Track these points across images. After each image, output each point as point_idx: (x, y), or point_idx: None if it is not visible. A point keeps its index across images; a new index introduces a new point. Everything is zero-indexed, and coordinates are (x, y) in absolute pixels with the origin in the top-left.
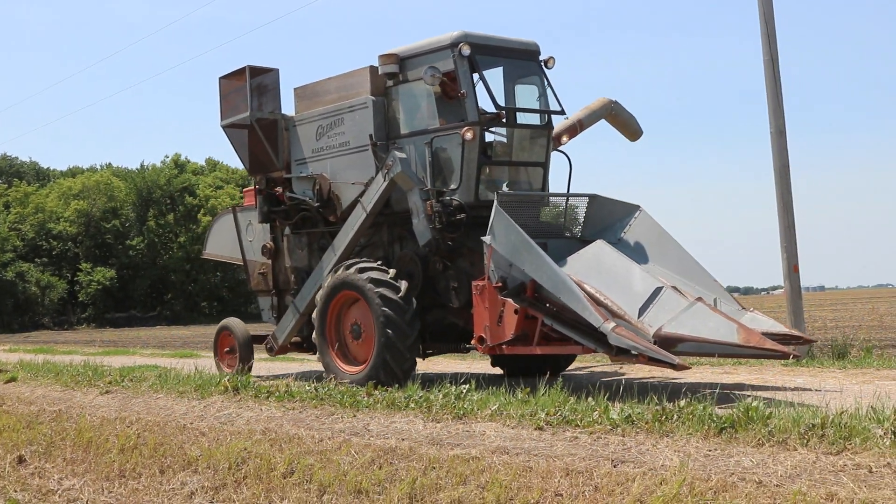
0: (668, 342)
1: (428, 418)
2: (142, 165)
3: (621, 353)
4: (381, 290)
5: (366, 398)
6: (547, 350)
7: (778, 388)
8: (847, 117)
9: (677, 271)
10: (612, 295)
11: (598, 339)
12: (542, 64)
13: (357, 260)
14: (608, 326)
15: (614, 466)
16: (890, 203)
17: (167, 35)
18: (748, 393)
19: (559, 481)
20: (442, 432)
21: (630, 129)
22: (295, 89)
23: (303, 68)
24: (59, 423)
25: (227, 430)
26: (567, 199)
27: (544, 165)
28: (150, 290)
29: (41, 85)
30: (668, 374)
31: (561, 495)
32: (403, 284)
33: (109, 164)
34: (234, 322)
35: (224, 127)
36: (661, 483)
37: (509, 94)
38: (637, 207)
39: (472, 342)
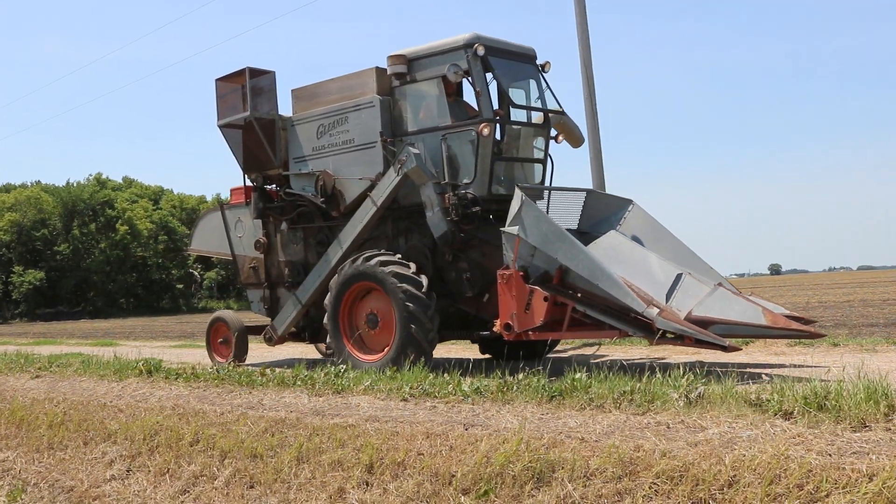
0: (699, 325)
1: (312, 393)
2: (68, 182)
3: (662, 337)
4: (404, 285)
5: (259, 378)
6: (576, 335)
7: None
8: None
9: (676, 260)
10: (637, 282)
11: (635, 324)
12: (540, 68)
13: (375, 252)
14: (653, 311)
15: (466, 429)
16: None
17: (90, 71)
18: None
19: (421, 443)
20: (324, 405)
21: (574, 136)
22: (293, 90)
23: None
24: None
25: (141, 406)
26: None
27: (544, 162)
28: (74, 288)
29: None
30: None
31: (422, 454)
32: (424, 280)
33: (39, 181)
34: (228, 314)
35: (221, 127)
36: (503, 442)
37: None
38: (630, 201)
39: (496, 329)
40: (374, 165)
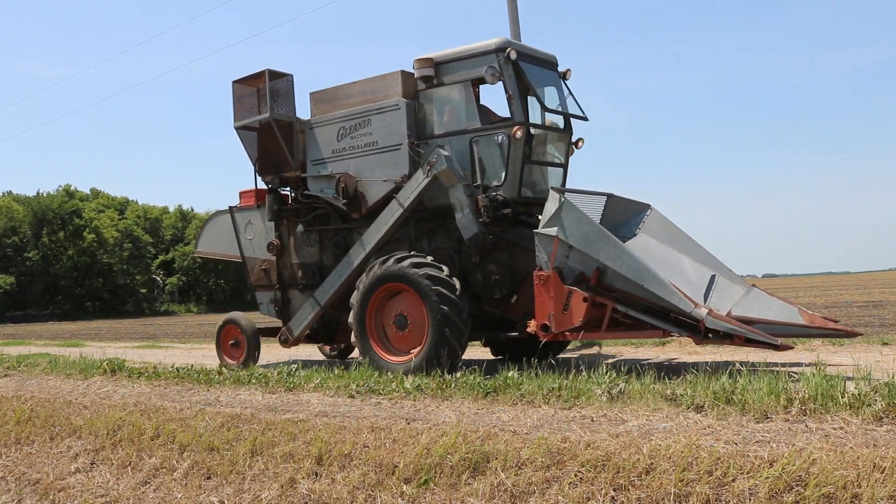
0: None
1: (266, 391)
2: (38, 193)
3: (708, 336)
4: (438, 287)
5: (217, 376)
6: (616, 336)
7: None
8: None
9: (698, 262)
10: (674, 282)
11: (678, 323)
12: (561, 75)
13: (407, 253)
14: (702, 311)
15: (408, 423)
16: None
17: (59, 90)
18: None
19: (366, 436)
20: (277, 401)
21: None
22: (311, 94)
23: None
24: None
25: (105, 403)
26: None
27: (565, 167)
28: (43, 292)
29: None
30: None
31: (368, 446)
32: (457, 282)
33: (10, 191)
34: (239, 316)
35: (237, 128)
36: (442, 435)
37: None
38: (648, 206)
39: (530, 329)
40: (398, 167)
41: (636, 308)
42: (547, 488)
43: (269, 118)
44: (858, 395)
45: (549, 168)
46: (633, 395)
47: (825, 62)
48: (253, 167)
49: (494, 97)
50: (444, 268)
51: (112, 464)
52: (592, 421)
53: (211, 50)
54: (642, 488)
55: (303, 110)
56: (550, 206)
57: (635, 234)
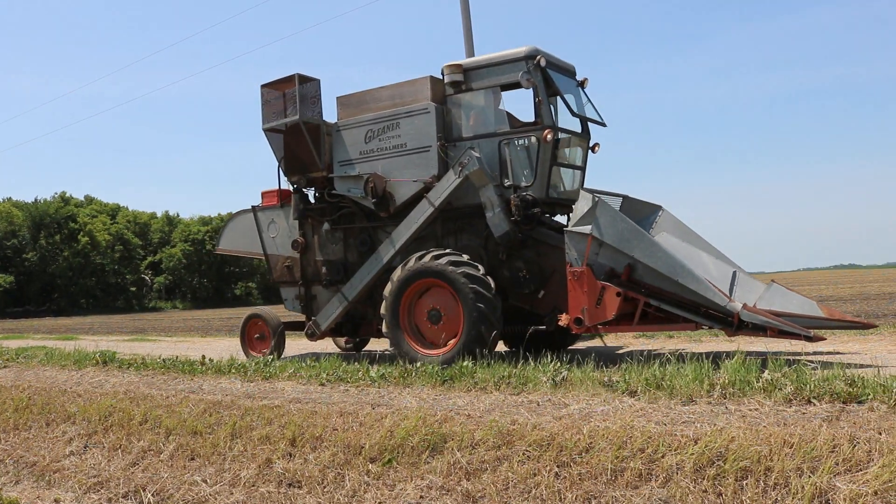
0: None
1: (244, 380)
2: (35, 199)
3: (740, 329)
4: (475, 286)
5: (200, 367)
6: (648, 329)
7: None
8: None
9: (717, 259)
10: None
11: (709, 317)
12: (580, 83)
13: (443, 251)
14: (737, 305)
15: (373, 408)
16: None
17: (57, 105)
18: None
19: (336, 420)
20: (254, 389)
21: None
22: (338, 98)
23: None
24: None
25: (97, 391)
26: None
27: (583, 170)
28: (41, 290)
29: None
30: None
31: (337, 429)
32: (491, 280)
33: (10, 197)
34: (265, 310)
35: (266, 130)
36: (404, 418)
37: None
38: (660, 207)
39: (562, 323)
40: (427, 168)
41: (668, 302)
42: (498, 466)
43: (298, 120)
44: (771, 380)
45: (567, 170)
46: (575, 382)
47: (747, 87)
48: (277, 168)
49: (511, 103)
50: (480, 267)
51: (104, 447)
52: (538, 405)
53: (198, 69)
54: (583, 465)
55: (327, 115)
56: (583, 206)
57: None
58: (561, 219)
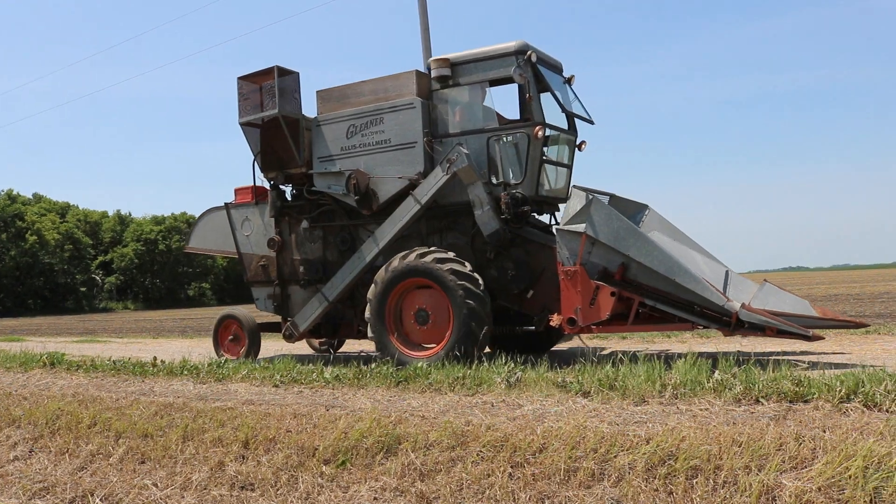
0: None
1: (197, 381)
2: None
3: (738, 329)
4: (463, 282)
5: (151, 368)
6: (643, 329)
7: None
8: None
9: (707, 258)
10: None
11: (706, 316)
12: (567, 80)
13: (428, 249)
14: (735, 305)
15: (327, 410)
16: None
17: (4, 99)
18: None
19: (289, 422)
20: (207, 391)
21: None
22: (318, 92)
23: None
24: None
25: (44, 394)
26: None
27: (571, 167)
28: None
29: None
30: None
31: (291, 431)
32: (479, 277)
33: None
34: (239, 311)
35: (242, 125)
36: (358, 420)
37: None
38: (646, 206)
39: (553, 323)
40: (413, 165)
41: (663, 302)
42: (452, 467)
43: (277, 114)
44: (721, 380)
45: (552, 168)
46: (529, 383)
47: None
48: (252, 164)
49: (493, 98)
50: (467, 263)
51: (50, 451)
52: (493, 406)
53: (150, 66)
54: (536, 465)
55: (306, 109)
56: (575, 204)
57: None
58: (544, 218)
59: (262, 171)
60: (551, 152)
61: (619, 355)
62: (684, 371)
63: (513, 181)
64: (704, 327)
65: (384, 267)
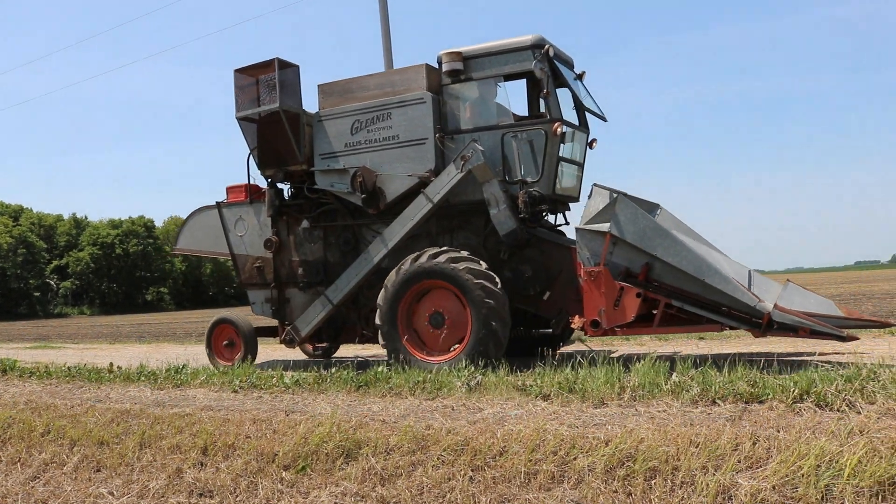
0: None
1: (154, 387)
2: None
3: (769, 329)
4: (482, 281)
5: (107, 374)
6: (669, 331)
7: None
8: None
9: (728, 258)
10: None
11: (735, 317)
12: (578, 76)
13: (440, 249)
14: (768, 305)
15: (287, 415)
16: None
17: None
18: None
19: (249, 427)
20: (165, 397)
21: None
22: (320, 86)
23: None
24: None
25: None
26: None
27: (582, 166)
28: None
29: None
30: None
31: (250, 437)
32: (495, 275)
33: None
34: (234, 315)
35: (239, 119)
36: (318, 425)
37: (534, 99)
38: (658, 205)
39: (574, 325)
40: (423, 162)
41: (690, 303)
42: (413, 471)
43: (278, 108)
44: (679, 382)
45: (565, 166)
46: (489, 387)
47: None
48: (247, 160)
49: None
50: (482, 262)
51: (1, 461)
52: (453, 410)
53: (108, 66)
54: (497, 468)
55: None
56: (598, 202)
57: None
58: (550, 218)
59: (259, 168)
60: (565, 150)
61: (578, 358)
62: (643, 373)
63: (529, 179)
64: (732, 328)
65: (395, 269)
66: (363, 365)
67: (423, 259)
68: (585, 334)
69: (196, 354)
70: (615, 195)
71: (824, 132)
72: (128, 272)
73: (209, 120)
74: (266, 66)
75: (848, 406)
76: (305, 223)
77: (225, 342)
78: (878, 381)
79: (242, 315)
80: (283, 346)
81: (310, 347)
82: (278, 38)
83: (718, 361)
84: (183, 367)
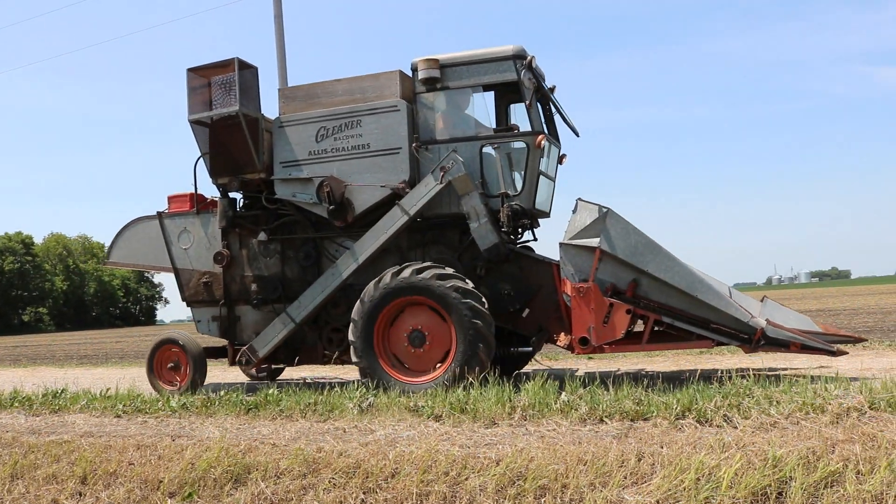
0: None
1: (30, 413)
2: None
3: (759, 345)
4: (469, 301)
5: None
6: (659, 347)
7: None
8: None
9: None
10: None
11: (724, 333)
12: (550, 89)
13: (425, 264)
14: (761, 321)
15: (173, 440)
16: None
17: None
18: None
19: (132, 454)
20: (40, 424)
21: None
22: (281, 90)
23: None
24: None
25: None
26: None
27: (554, 180)
28: None
29: None
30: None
31: (133, 464)
32: (482, 295)
33: None
34: (181, 335)
35: (192, 122)
36: (206, 450)
37: (501, 112)
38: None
39: (559, 343)
40: (396, 172)
41: (680, 319)
42: (304, 495)
43: (237, 111)
44: (568, 401)
45: (544, 181)
46: (381, 408)
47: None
48: (194, 167)
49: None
50: (469, 280)
51: None
52: (345, 432)
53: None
54: (389, 490)
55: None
56: (584, 217)
57: None
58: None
59: (211, 176)
60: (542, 164)
61: (471, 379)
62: (533, 393)
63: (510, 193)
64: (722, 344)
65: (373, 283)
66: (311, 387)
67: (406, 273)
68: (573, 352)
69: (76, 377)
70: (604, 210)
71: (704, 161)
72: (2, 291)
73: (93, 134)
74: (223, 66)
75: (725, 421)
76: (263, 235)
77: (169, 364)
78: (753, 398)
79: (189, 335)
80: (225, 367)
81: (253, 369)
82: (180, 48)
83: (606, 380)
84: (62, 392)
